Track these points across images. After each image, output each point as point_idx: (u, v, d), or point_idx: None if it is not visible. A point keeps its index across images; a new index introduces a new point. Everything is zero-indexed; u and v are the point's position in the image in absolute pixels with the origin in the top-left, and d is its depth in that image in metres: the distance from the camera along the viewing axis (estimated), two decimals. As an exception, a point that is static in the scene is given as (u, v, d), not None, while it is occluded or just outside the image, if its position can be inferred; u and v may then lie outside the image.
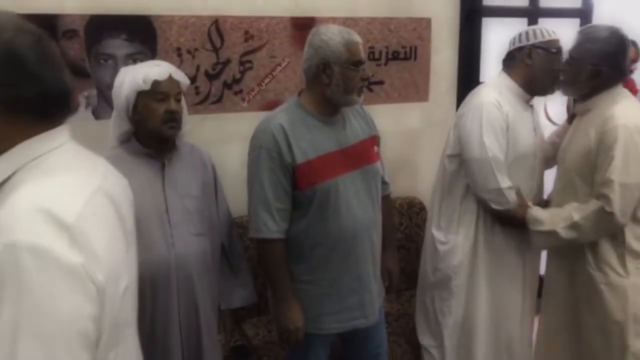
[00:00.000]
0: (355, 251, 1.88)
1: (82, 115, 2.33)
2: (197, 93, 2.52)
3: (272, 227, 1.82)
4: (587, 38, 2.02)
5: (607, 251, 1.99)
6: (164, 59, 2.39)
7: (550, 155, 2.35)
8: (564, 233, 1.99)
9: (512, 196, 2.12)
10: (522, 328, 2.32)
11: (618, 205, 1.89)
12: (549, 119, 3.78)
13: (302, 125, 1.85)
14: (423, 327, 2.39)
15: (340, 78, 1.81)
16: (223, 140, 2.58)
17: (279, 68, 2.65)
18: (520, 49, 2.19)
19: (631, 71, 3.97)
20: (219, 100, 2.56)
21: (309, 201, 1.83)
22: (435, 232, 2.31)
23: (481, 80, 3.08)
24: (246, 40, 2.56)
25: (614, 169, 1.89)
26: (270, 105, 2.59)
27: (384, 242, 2.06)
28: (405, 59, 2.93)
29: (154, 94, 1.77)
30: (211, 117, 2.56)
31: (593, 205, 1.94)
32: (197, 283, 1.86)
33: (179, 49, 2.45)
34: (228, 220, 2.05)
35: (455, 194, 2.24)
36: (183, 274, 1.83)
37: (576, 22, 3.41)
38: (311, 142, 1.84)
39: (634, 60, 3.93)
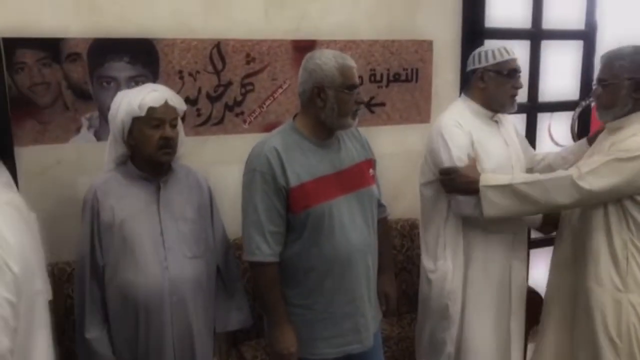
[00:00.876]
0: (350, 275, 1.87)
1: (85, 137, 2.36)
2: (199, 115, 2.54)
3: (265, 251, 1.82)
4: (613, 57, 2.00)
5: (607, 263, 1.95)
6: (166, 81, 2.43)
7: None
8: (522, 187, 1.95)
9: None
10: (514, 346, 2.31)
11: (600, 187, 1.87)
12: (553, 140, 3.77)
13: (296, 148, 1.85)
14: (422, 352, 2.36)
15: (335, 102, 1.82)
16: (224, 161, 2.59)
17: (280, 90, 2.67)
18: (473, 71, 2.23)
19: None
20: (221, 121, 2.58)
21: (302, 224, 1.83)
22: (425, 261, 2.30)
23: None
24: (248, 62, 2.59)
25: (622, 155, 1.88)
26: (271, 127, 2.60)
27: (381, 265, 2.04)
28: (407, 80, 2.94)
29: (149, 120, 1.78)
30: (212, 139, 2.58)
31: (569, 175, 1.93)
32: (191, 306, 1.86)
33: (180, 72, 2.48)
34: (224, 242, 2.05)
35: (437, 220, 2.24)
36: (177, 298, 1.83)
37: (579, 44, 3.42)
38: (305, 165, 1.84)
39: None
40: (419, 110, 2.99)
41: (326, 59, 1.83)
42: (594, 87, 2.09)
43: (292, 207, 1.83)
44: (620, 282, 1.93)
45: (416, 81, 2.97)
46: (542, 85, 3.36)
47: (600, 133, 2.19)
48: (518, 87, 2.22)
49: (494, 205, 2.00)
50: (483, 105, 2.24)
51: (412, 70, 2.95)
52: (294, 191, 1.81)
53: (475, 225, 2.16)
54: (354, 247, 1.87)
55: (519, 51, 3.16)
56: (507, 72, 2.18)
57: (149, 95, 1.79)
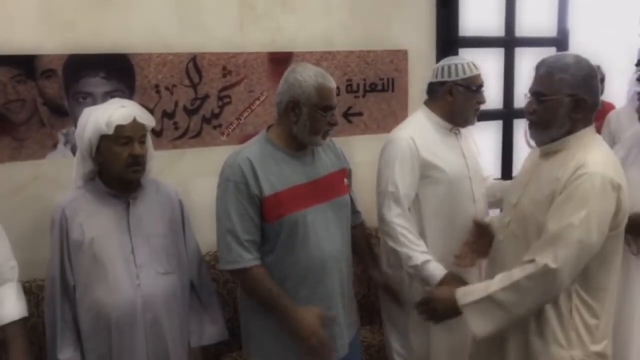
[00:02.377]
0: (325, 283, 1.88)
1: (61, 153, 2.36)
2: (176, 128, 2.55)
3: (247, 257, 1.82)
4: (555, 68, 1.70)
5: (551, 318, 1.70)
6: (142, 95, 2.44)
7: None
8: (502, 295, 1.63)
9: (406, 236, 2.05)
10: None
11: (567, 262, 1.58)
12: (530, 145, 3.82)
13: (270, 158, 1.87)
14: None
15: (307, 119, 1.83)
16: (203, 174, 2.60)
17: (257, 102, 2.69)
18: (441, 83, 2.20)
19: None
20: (198, 134, 2.59)
21: (276, 234, 1.84)
22: (386, 269, 2.27)
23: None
24: (224, 75, 2.61)
25: (572, 221, 1.59)
26: (249, 138, 2.56)
27: (362, 256, 2.09)
28: (383, 90, 2.98)
29: (117, 138, 1.77)
30: (190, 152, 2.59)
31: (536, 263, 1.61)
32: (165, 323, 1.86)
33: (157, 86, 2.49)
34: (197, 256, 2.04)
35: None
36: (151, 315, 1.82)
37: (552, 50, 3.47)
38: (279, 175, 1.86)
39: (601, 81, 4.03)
40: (396, 119, 3.01)
41: (307, 76, 1.83)
42: (527, 100, 1.77)
43: (266, 216, 1.84)
44: (563, 337, 1.69)
45: (392, 91, 3.00)
46: (517, 92, 3.41)
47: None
48: (482, 102, 2.20)
49: (480, 322, 1.69)
50: (444, 118, 2.22)
51: (388, 79, 2.98)
52: (268, 200, 1.82)
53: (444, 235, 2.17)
54: (328, 256, 1.88)
55: (493, 59, 3.24)
56: (475, 87, 2.17)
57: (116, 112, 1.77)
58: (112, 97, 2.36)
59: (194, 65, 2.55)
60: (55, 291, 1.81)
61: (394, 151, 2.15)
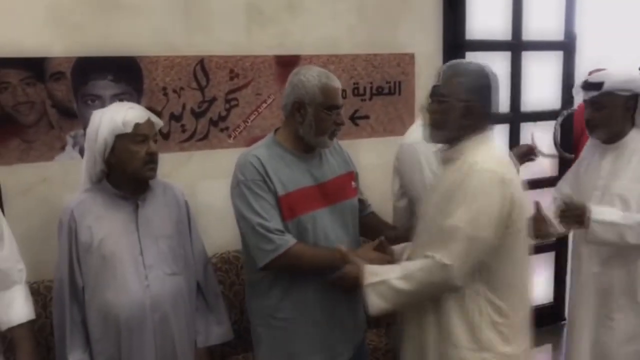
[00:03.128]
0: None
1: (70, 155, 2.37)
2: (184, 131, 2.56)
3: (287, 237, 1.80)
4: (456, 71, 1.74)
5: (457, 323, 1.70)
6: (150, 98, 2.46)
7: None
8: (399, 283, 1.67)
9: None
10: None
11: (458, 260, 1.61)
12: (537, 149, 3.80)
13: (279, 160, 1.87)
14: None
15: (313, 119, 1.84)
16: (210, 176, 2.62)
17: (264, 105, 2.70)
18: None
19: None
20: (205, 137, 2.61)
21: (291, 232, 1.84)
22: None
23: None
24: (231, 78, 2.62)
25: (462, 217, 1.62)
26: (255, 141, 2.58)
27: (377, 228, 2.08)
28: (390, 93, 2.98)
29: (135, 136, 1.78)
30: (198, 154, 2.60)
31: (431, 259, 1.65)
32: (173, 323, 1.86)
33: (164, 88, 2.50)
34: (203, 257, 2.05)
35: None
36: (159, 315, 1.83)
37: (559, 54, 3.48)
38: (289, 175, 1.86)
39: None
40: (403, 123, 3.02)
41: (310, 76, 1.85)
42: (431, 99, 1.79)
43: (283, 215, 1.84)
44: (471, 340, 1.70)
45: (399, 94, 3.01)
46: (524, 96, 3.41)
47: None
48: (431, 109, 2.20)
49: (377, 300, 1.70)
50: None
51: (394, 83, 2.99)
52: (282, 199, 1.83)
53: None
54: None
55: (500, 62, 3.24)
56: None
57: (130, 112, 1.79)
58: (120, 99, 2.39)
59: (201, 68, 2.56)
60: (63, 293, 1.81)
61: (419, 152, 2.17)
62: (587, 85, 2.13)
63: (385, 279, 1.70)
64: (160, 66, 2.48)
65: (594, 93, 2.11)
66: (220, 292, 2.15)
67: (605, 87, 2.09)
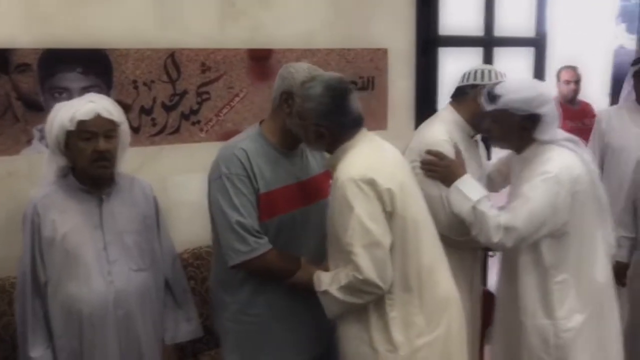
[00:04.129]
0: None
1: (36, 148, 2.32)
2: (154, 124, 2.53)
3: (262, 242, 1.79)
4: (304, 95, 1.75)
5: (374, 324, 1.75)
6: (120, 91, 2.42)
7: (497, 183, 2.41)
8: (337, 294, 1.71)
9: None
10: None
11: (370, 270, 1.64)
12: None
13: (264, 154, 1.85)
14: None
15: None
16: (182, 171, 2.59)
17: (236, 99, 2.67)
18: (473, 86, 2.21)
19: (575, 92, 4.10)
20: (177, 131, 2.57)
21: (266, 232, 1.83)
22: None
23: (438, 108, 3.14)
24: (203, 72, 2.59)
25: (349, 235, 1.65)
26: (228, 136, 2.59)
27: None
28: (363, 88, 2.99)
29: (81, 133, 1.75)
30: (168, 148, 2.57)
31: (347, 274, 1.69)
32: (138, 319, 1.84)
33: (135, 82, 2.46)
34: (171, 253, 2.03)
35: None
36: (123, 311, 1.81)
37: (530, 51, 3.52)
38: (272, 172, 1.84)
39: (569, 82, 4.07)
40: (376, 118, 3.03)
41: (299, 68, 1.86)
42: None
43: (261, 214, 1.82)
44: (386, 340, 1.74)
45: (372, 89, 3.01)
46: (496, 92, 3.44)
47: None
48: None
49: (327, 308, 1.79)
50: (469, 121, 2.24)
51: (368, 78, 2.99)
52: (262, 197, 1.81)
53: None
54: (312, 256, 1.89)
55: (472, 58, 3.27)
56: None
57: (81, 108, 1.75)
58: (90, 92, 2.33)
59: (172, 61, 2.52)
60: (26, 288, 1.78)
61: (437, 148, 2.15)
62: (488, 96, 2.04)
63: (327, 289, 1.74)
64: (130, 59, 2.44)
65: (493, 105, 2.01)
66: (192, 288, 2.15)
67: (500, 103, 1.98)
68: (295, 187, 1.89)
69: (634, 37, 4.17)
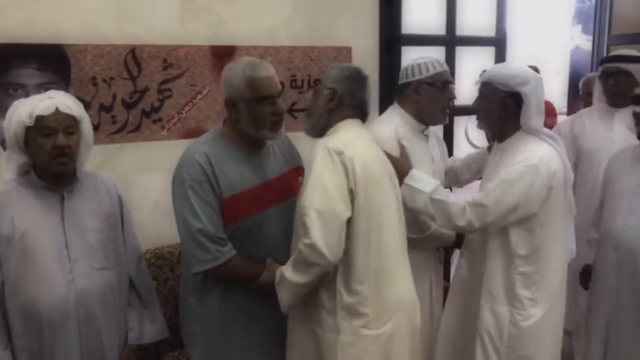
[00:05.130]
0: None
1: (-10, 147, 2.24)
2: (114, 122, 2.47)
3: (225, 250, 1.78)
4: (332, 67, 2.00)
5: (325, 305, 1.77)
6: (79, 88, 2.36)
7: (463, 178, 2.44)
8: (290, 275, 1.72)
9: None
10: None
11: (319, 235, 1.63)
12: (470, 142, 3.93)
13: (227, 157, 1.82)
14: None
15: (247, 114, 1.80)
16: (143, 169, 2.55)
17: (199, 96, 2.64)
18: (407, 84, 2.23)
19: None
20: (137, 128, 2.52)
21: (230, 237, 1.81)
22: None
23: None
24: (165, 68, 2.54)
25: (308, 196, 1.68)
26: (191, 133, 2.58)
27: None
28: (327, 86, 2.98)
29: (40, 129, 1.71)
30: (129, 146, 2.52)
31: (300, 243, 1.69)
32: (101, 320, 1.81)
33: (94, 78, 2.41)
34: (136, 252, 2.00)
35: None
36: (85, 311, 1.77)
37: (491, 50, 3.58)
38: (236, 174, 1.81)
39: None
40: (340, 115, 3.03)
41: (235, 72, 1.80)
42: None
43: (225, 219, 1.79)
44: (333, 323, 1.77)
45: (336, 87, 3.01)
46: (457, 90, 3.48)
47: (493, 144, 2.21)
48: (452, 98, 2.24)
49: (283, 295, 1.79)
50: (416, 117, 2.25)
51: (332, 75, 2.99)
52: (226, 202, 1.78)
53: None
54: (284, 256, 1.86)
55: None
56: (441, 84, 2.19)
57: (40, 104, 1.71)
58: (47, 89, 2.25)
59: (132, 57, 2.47)
60: None
61: (393, 152, 2.13)
62: (481, 74, 2.12)
63: (283, 273, 1.75)
64: (89, 55, 2.38)
65: (480, 79, 2.09)
66: (155, 288, 2.10)
67: (485, 75, 2.06)
68: (261, 188, 1.86)
69: (589, 38, 4.29)
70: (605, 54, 4.18)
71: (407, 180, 2.04)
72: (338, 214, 1.66)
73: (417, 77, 2.20)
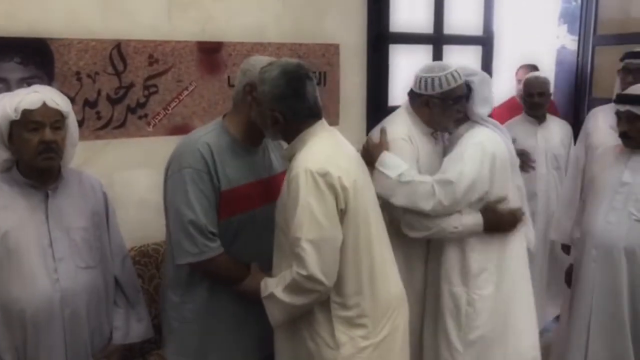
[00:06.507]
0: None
1: (-29, 142, 2.19)
2: (99, 118, 2.44)
3: (212, 246, 1.75)
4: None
5: (319, 320, 1.71)
6: (63, 83, 2.32)
7: None
8: (282, 295, 1.67)
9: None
10: None
11: (315, 266, 1.59)
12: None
13: (228, 150, 1.80)
14: None
15: None
16: (128, 166, 2.51)
17: (185, 92, 2.61)
18: (419, 95, 2.21)
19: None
20: (122, 124, 2.49)
21: (224, 231, 1.79)
22: None
23: (389, 104, 3.17)
24: (150, 64, 2.51)
25: (297, 226, 1.61)
26: (177, 130, 2.56)
27: None
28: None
29: (26, 123, 1.67)
30: (114, 143, 2.48)
31: (292, 271, 1.65)
32: (86, 319, 1.78)
33: (78, 73, 2.37)
34: (121, 250, 1.97)
35: None
36: (70, 311, 1.74)
37: (478, 49, 3.59)
38: (236, 168, 1.80)
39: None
40: (328, 113, 3.01)
41: (260, 61, 1.81)
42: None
43: (220, 212, 1.78)
44: (331, 339, 1.71)
45: (324, 84, 3.00)
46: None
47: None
48: (461, 111, 2.21)
49: (271, 313, 1.75)
50: (426, 123, 2.25)
51: (319, 73, 2.98)
52: (224, 195, 1.77)
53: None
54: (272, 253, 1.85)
55: (422, 55, 3.31)
56: (452, 100, 2.16)
57: (27, 98, 1.67)
58: (29, 83, 2.21)
59: (118, 52, 2.44)
60: None
61: (394, 147, 2.17)
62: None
63: (273, 291, 1.70)
64: (73, 49, 2.34)
65: None
66: (140, 286, 2.08)
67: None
68: (257, 185, 1.86)
69: (575, 38, 4.31)
70: (590, 55, 4.21)
71: (377, 165, 2.10)
72: (331, 241, 1.62)
73: (430, 92, 2.16)
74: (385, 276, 1.78)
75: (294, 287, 1.64)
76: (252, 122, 1.82)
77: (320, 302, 1.69)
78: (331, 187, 1.62)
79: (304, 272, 1.60)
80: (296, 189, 1.61)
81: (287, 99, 1.68)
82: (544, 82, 3.36)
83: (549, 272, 3.39)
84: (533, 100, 3.33)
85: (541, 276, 3.34)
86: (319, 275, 1.59)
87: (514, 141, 3.24)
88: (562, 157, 3.37)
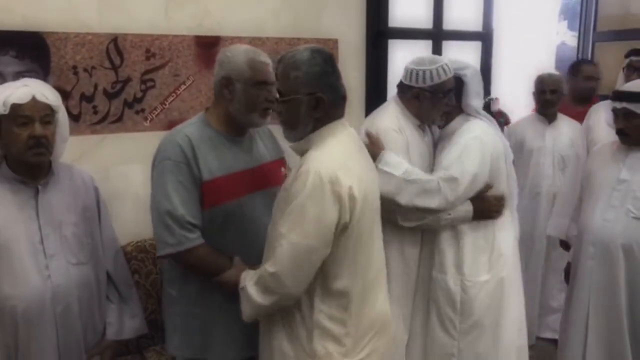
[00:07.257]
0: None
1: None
2: (96, 112, 2.42)
3: (191, 237, 1.73)
4: (288, 65, 1.62)
5: (299, 326, 1.63)
6: (59, 77, 2.31)
7: None
8: (252, 291, 1.62)
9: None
10: None
11: (285, 266, 1.54)
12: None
13: (208, 141, 1.80)
14: None
15: (242, 95, 1.78)
16: (125, 160, 2.50)
17: (182, 87, 2.60)
18: (409, 87, 2.20)
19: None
20: (119, 119, 2.48)
21: (209, 221, 1.78)
22: None
23: (388, 99, 3.15)
24: (147, 58, 2.50)
25: (285, 222, 1.55)
26: (174, 125, 2.47)
27: None
28: (313, 79, 2.95)
29: (15, 118, 1.65)
30: (111, 137, 2.47)
31: (262, 268, 1.62)
32: (78, 315, 1.77)
33: (75, 67, 2.35)
34: (113, 246, 1.95)
35: None
36: (62, 307, 1.73)
37: (478, 44, 3.58)
38: (218, 159, 1.79)
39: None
40: (326, 108, 3.01)
41: (237, 52, 1.80)
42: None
43: (204, 202, 1.77)
44: (310, 350, 1.61)
45: (322, 79, 2.98)
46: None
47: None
48: (451, 104, 2.21)
49: (244, 308, 1.69)
50: (415, 115, 2.25)
51: (318, 68, 2.96)
52: (205, 185, 1.76)
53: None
54: (262, 245, 1.81)
55: (422, 51, 3.29)
56: (442, 93, 2.16)
57: (16, 92, 1.65)
58: (25, 77, 2.21)
59: (115, 46, 2.42)
60: None
61: (385, 138, 2.18)
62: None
63: (246, 284, 1.65)
64: (70, 43, 2.33)
65: None
66: (136, 281, 2.08)
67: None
68: (243, 174, 1.85)
69: (575, 34, 4.30)
70: (590, 51, 4.20)
71: (380, 165, 2.09)
72: (310, 252, 1.53)
73: (420, 85, 2.16)
74: (375, 297, 1.69)
75: (260, 284, 1.60)
76: (232, 115, 1.81)
77: (307, 311, 1.60)
78: (337, 196, 1.52)
79: (271, 269, 1.55)
80: (300, 186, 1.53)
81: (328, 76, 1.61)
82: (557, 80, 3.29)
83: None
84: (545, 98, 3.25)
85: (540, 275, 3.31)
86: (284, 277, 1.54)
87: (522, 141, 3.27)
88: (569, 158, 3.20)
